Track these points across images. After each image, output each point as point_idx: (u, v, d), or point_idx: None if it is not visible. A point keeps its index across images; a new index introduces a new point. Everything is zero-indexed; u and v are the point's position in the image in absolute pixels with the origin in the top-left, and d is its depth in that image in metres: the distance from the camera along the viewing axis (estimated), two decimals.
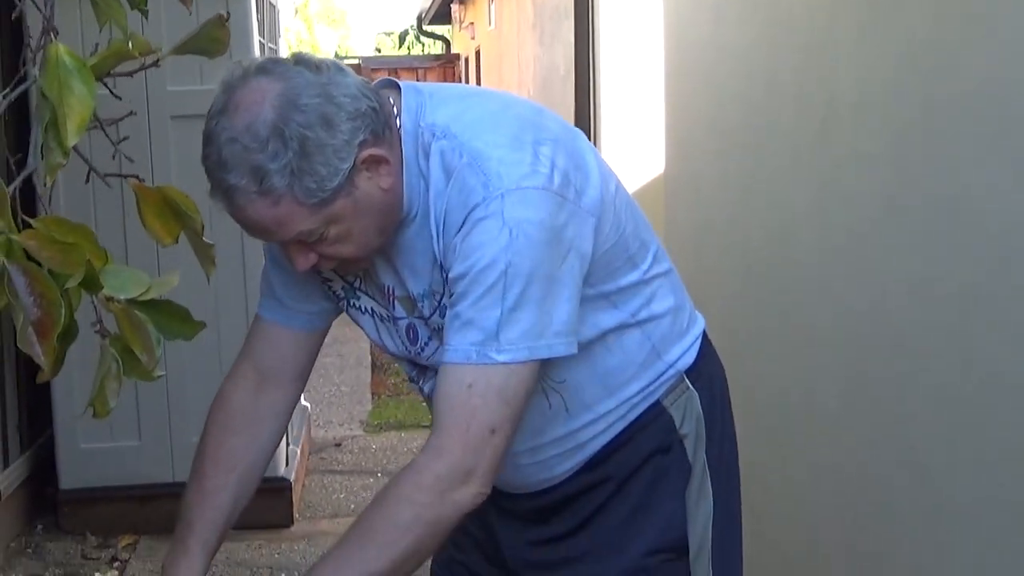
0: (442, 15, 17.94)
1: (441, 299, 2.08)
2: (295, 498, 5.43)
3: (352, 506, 5.70)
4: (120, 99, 1.99)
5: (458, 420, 1.96)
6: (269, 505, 5.26)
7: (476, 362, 1.96)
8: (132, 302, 1.82)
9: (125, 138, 1.95)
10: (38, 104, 1.78)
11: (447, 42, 17.90)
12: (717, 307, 3.91)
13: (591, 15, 7.41)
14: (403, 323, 2.19)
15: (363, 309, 2.25)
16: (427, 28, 19.23)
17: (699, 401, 2.28)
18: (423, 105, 2.06)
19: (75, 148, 1.80)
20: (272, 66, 1.95)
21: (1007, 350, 2.56)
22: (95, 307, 1.79)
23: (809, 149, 3.62)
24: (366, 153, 1.96)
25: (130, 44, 1.82)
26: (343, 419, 7.37)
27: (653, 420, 2.25)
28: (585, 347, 2.10)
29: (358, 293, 2.24)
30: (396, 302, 2.18)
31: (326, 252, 2.03)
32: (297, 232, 1.97)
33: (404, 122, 2.04)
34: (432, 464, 1.96)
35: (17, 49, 4.48)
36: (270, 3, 5.85)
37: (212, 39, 1.92)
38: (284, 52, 6.64)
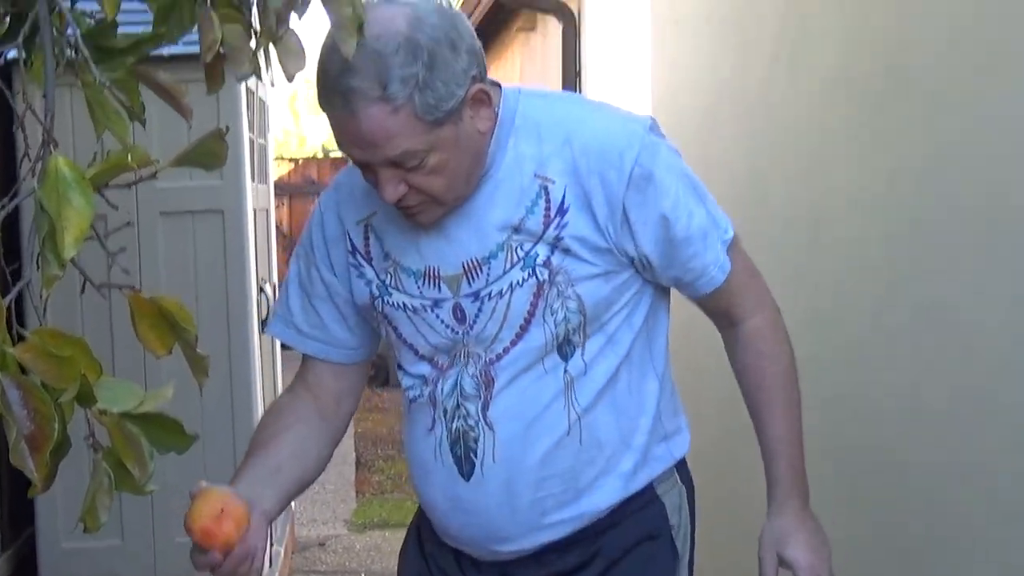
0: None
1: (532, 247, 2.19)
2: None
3: None
4: (116, 209, 1.97)
5: (755, 292, 2.35)
6: None
7: (725, 252, 2.28)
8: (125, 415, 1.80)
9: (123, 249, 1.94)
10: (36, 215, 1.77)
11: None
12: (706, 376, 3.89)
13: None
14: (447, 304, 2.26)
15: (396, 305, 2.31)
16: None
17: (686, 499, 2.39)
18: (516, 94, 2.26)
19: (71, 259, 1.79)
20: None
21: None
22: (87, 420, 1.77)
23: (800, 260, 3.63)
24: (476, 88, 2.11)
25: (129, 157, 1.81)
26: (327, 517, 7.33)
27: (646, 505, 2.32)
28: (612, 378, 2.26)
29: (390, 290, 2.30)
30: (441, 283, 2.25)
31: (418, 183, 2.11)
32: (403, 149, 2.05)
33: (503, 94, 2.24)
34: (769, 325, 2.35)
35: (12, 157, 4.49)
36: (260, 99, 5.88)
37: (210, 152, 1.92)
38: (271, 147, 6.66)
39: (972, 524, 2.77)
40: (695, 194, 2.26)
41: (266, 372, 5.68)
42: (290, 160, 16.45)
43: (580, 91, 7.64)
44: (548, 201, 2.18)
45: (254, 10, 1.93)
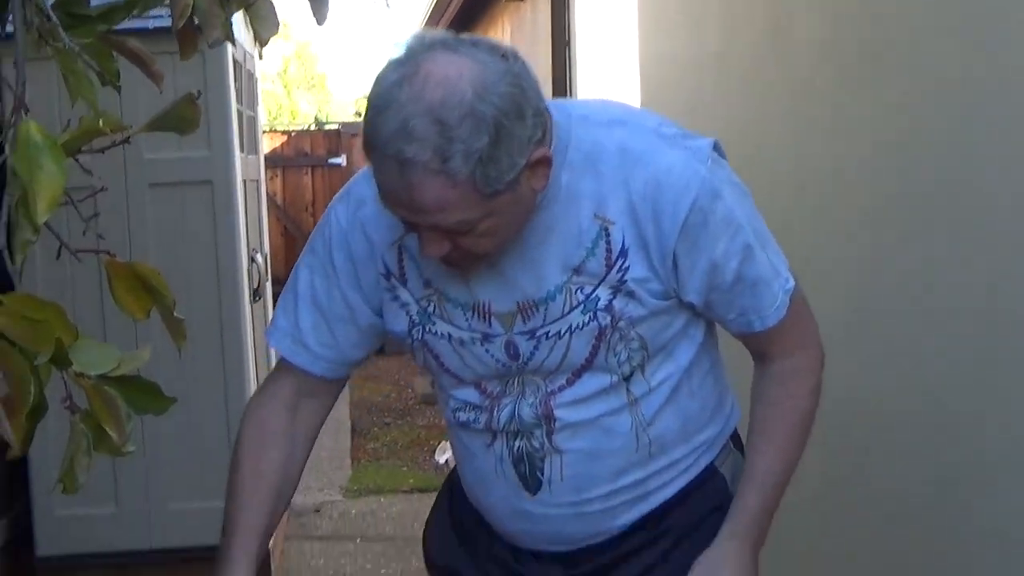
0: None
1: (593, 290, 2.08)
2: (273, 565, 5.41)
3: (331, 572, 5.68)
4: (91, 174, 1.99)
5: (800, 335, 2.22)
6: None
7: (787, 300, 2.15)
8: (103, 378, 1.82)
9: (96, 214, 1.96)
10: (8, 181, 1.79)
11: None
12: None
13: (569, 80, 7.46)
14: (499, 340, 2.13)
15: (439, 334, 2.18)
16: None
17: (741, 467, 2.30)
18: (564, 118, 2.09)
19: (47, 224, 1.81)
20: (456, 44, 1.90)
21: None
22: (65, 383, 1.79)
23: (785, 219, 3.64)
24: (539, 152, 1.94)
25: (101, 121, 1.82)
26: (322, 484, 7.35)
27: (708, 479, 2.28)
28: (675, 388, 2.19)
29: (432, 318, 2.17)
30: (492, 319, 2.12)
31: (465, 244, 1.97)
32: (456, 220, 1.91)
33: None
34: (806, 368, 2.23)
35: None
36: (248, 71, 5.88)
37: (183, 117, 1.93)
38: (262, 119, 6.67)
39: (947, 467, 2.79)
40: (756, 239, 2.12)
41: (259, 341, 5.70)
42: (283, 133, 16.41)
43: (569, 62, 7.61)
44: (609, 243, 2.06)
45: None
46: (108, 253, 1.96)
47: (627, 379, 2.14)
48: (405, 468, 7.69)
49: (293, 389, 2.32)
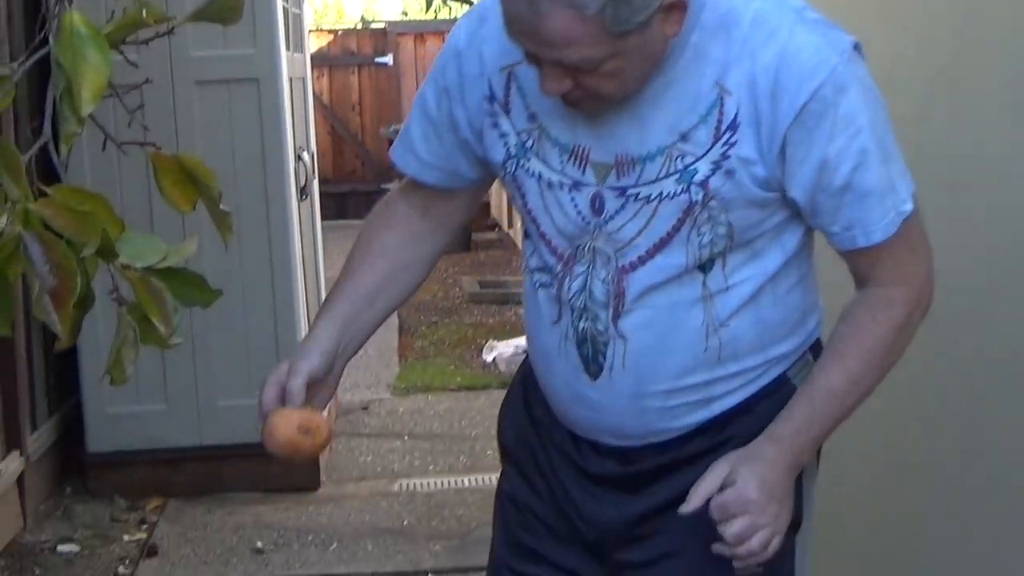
0: None
1: (694, 162, 1.99)
2: (322, 461, 5.45)
3: (378, 468, 5.72)
4: (136, 67, 1.98)
5: (908, 269, 2.08)
6: (296, 468, 5.27)
7: (898, 222, 2.01)
8: (149, 270, 1.83)
9: (140, 106, 1.95)
10: (53, 73, 1.79)
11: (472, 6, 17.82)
12: None
13: None
14: (588, 191, 2.06)
15: (531, 172, 2.11)
16: None
17: None
18: None
19: (91, 116, 1.81)
20: None
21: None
22: (111, 275, 1.80)
23: None
24: None
25: (144, 12, 1.82)
26: (370, 382, 7.38)
27: (777, 389, 2.16)
28: (755, 293, 2.08)
29: (528, 155, 2.11)
30: (588, 167, 2.06)
31: (587, 84, 1.91)
32: (581, 57, 1.86)
33: None
34: (902, 303, 2.07)
35: (35, 16, 4.50)
36: None
37: (226, 7, 1.91)
38: (308, 17, 6.64)
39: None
40: (877, 149, 2.00)
41: (306, 240, 5.71)
42: (329, 31, 16.33)
43: None
44: (722, 114, 1.98)
45: None
46: (154, 145, 1.96)
47: (704, 269, 2.06)
48: (452, 366, 7.71)
49: (409, 204, 2.32)
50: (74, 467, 5.40)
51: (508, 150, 2.13)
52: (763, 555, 2.03)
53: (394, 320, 8.88)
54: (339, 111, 15.14)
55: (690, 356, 2.09)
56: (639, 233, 2.04)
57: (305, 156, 5.74)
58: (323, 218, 6.63)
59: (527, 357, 2.35)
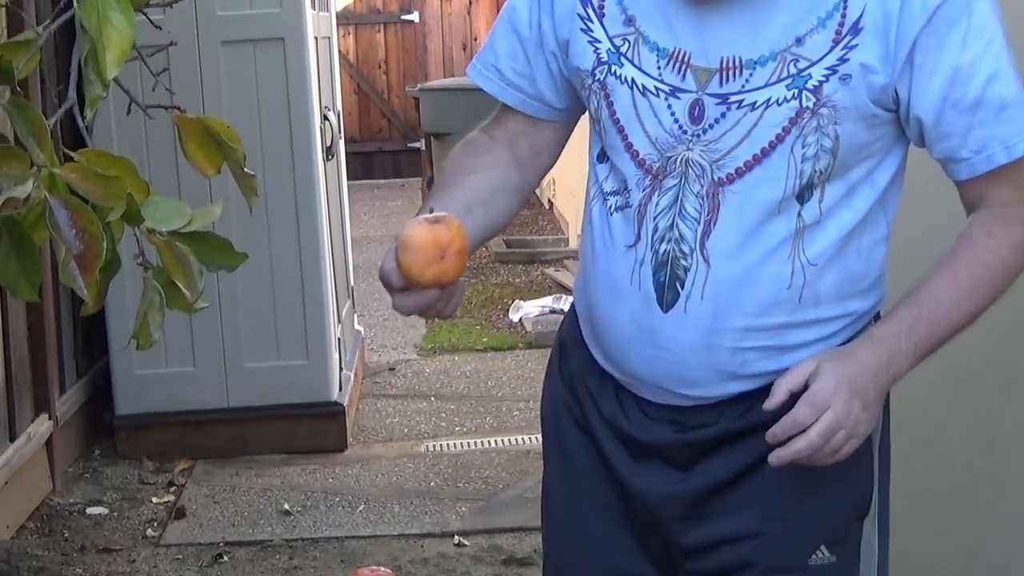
0: None
1: (808, 67, 1.89)
2: (349, 422, 5.46)
3: (405, 430, 5.72)
4: (161, 29, 1.97)
5: None
6: (323, 429, 5.31)
7: None
8: (174, 234, 1.82)
9: (165, 69, 1.93)
10: (77, 35, 1.77)
11: None
12: None
13: None
14: (688, 97, 1.95)
15: (623, 79, 1.99)
16: None
17: None
18: None
19: (116, 80, 1.79)
20: None
21: None
22: (137, 239, 1.79)
23: None
24: None
25: None
26: (396, 343, 7.39)
27: None
28: (847, 237, 1.97)
29: (622, 60, 2.00)
30: (689, 71, 1.95)
31: None
32: None
33: None
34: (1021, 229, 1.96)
35: None
36: None
37: None
38: None
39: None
40: (1007, 57, 1.90)
41: (332, 200, 5.71)
42: None
43: None
44: (844, 16, 1.88)
45: None
46: (178, 109, 1.94)
47: (801, 199, 1.93)
48: (479, 327, 7.70)
49: (490, 137, 2.22)
50: (102, 429, 5.42)
51: (599, 56, 2.02)
52: (838, 456, 1.88)
53: None
54: (365, 69, 15.10)
55: (773, 292, 1.96)
56: (740, 142, 1.93)
57: (331, 115, 5.72)
58: (349, 178, 6.63)
59: (564, 323, 2.27)
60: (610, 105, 2.02)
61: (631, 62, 1.99)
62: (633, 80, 1.99)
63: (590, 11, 2.03)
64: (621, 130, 2.01)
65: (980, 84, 1.88)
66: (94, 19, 1.72)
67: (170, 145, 4.63)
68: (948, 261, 1.97)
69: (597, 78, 2.02)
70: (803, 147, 1.91)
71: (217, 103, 4.97)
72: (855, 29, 1.87)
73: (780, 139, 1.91)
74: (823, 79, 1.88)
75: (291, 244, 5.17)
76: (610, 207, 2.05)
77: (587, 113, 2.12)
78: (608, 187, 2.06)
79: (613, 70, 2.00)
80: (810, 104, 1.89)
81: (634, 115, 1.99)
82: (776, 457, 1.88)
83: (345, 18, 14.54)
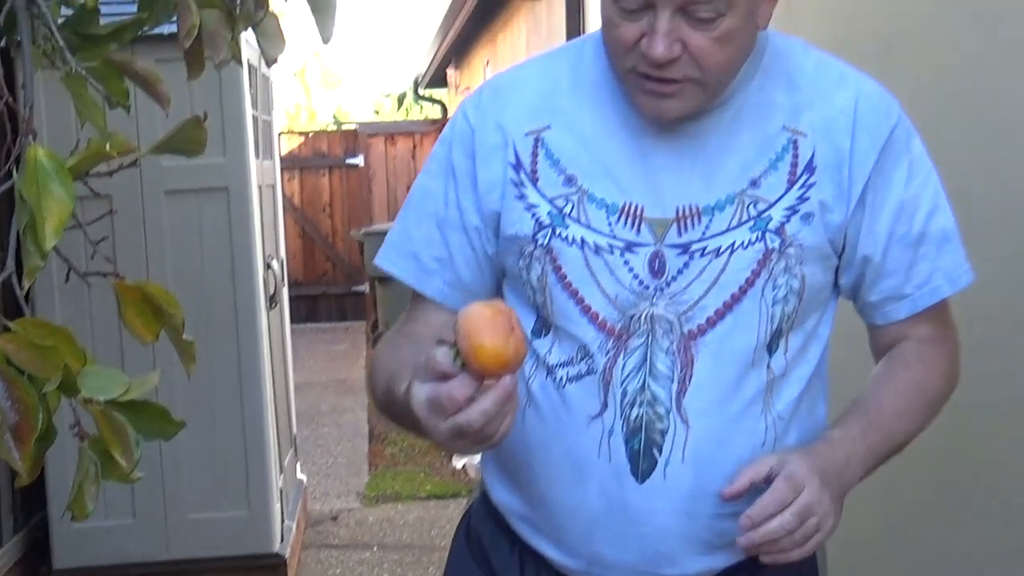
0: (438, 79, 18.00)
1: (767, 208, 1.86)
2: (291, 574, 5.39)
3: None
4: (98, 196, 1.98)
5: (950, 325, 2.01)
6: None
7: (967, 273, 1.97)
8: (111, 403, 1.81)
9: (105, 238, 1.94)
10: (17, 206, 1.78)
11: (444, 106, 17.96)
12: None
13: None
14: (646, 251, 1.87)
15: (570, 240, 1.90)
16: (423, 92, 19.30)
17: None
18: None
19: (55, 249, 1.80)
20: None
21: None
22: (73, 409, 1.78)
23: None
24: None
25: (108, 145, 1.81)
26: (340, 491, 7.34)
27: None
28: (803, 392, 1.92)
29: (567, 221, 1.90)
30: (643, 225, 1.87)
31: (699, 45, 1.77)
32: None
33: None
34: (949, 360, 2.01)
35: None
36: (263, 75, 5.87)
37: (190, 139, 1.91)
38: (279, 122, 6.66)
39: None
40: (942, 191, 1.94)
41: (275, 348, 5.69)
42: (300, 133, 16.40)
43: None
44: (796, 157, 1.87)
45: None
46: (117, 276, 1.95)
47: (770, 349, 1.88)
48: (423, 474, 7.67)
49: (407, 337, 2.04)
50: None
51: (538, 220, 1.93)
52: (804, 548, 1.76)
53: (364, 427, 8.85)
54: (310, 213, 15.18)
55: (749, 449, 1.87)
56: (706, 292, 1.87)
57: (275, 264, 5.73)
58: (293, 321, 6.62)
59: (471, 519, 2.18)
60: (558, 269, 1.91)
61: (577, 222, 1.90)
62: (583, 240, 1.89)
63: (523, 175, 1.95)
64: (575, 293, 1.90)
65: (923, 218, 1.91)
66: (33, 190, 1.73)
67: (113, 309, 4.62)
68: (887, 378, 1.96)
69: (540, 243, 1.92)
70: (773, 288, 1.86)
71: (160, 252, 4.97)
72: (810, 167, 1.88)
73: (750, 283, 1.86)
74: (784, 219, 1.86)
75: (234, 396, 5.13)
76: (560, 380, 1.92)
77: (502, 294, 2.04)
78: (555, 359, 1.94)
79: (558, 232, 1.91)
80: (775, 245, 1.85)
81: (588, 276, 1.89)
82: (747, 539, 1.74)
83: (290, 162, 14.66)
